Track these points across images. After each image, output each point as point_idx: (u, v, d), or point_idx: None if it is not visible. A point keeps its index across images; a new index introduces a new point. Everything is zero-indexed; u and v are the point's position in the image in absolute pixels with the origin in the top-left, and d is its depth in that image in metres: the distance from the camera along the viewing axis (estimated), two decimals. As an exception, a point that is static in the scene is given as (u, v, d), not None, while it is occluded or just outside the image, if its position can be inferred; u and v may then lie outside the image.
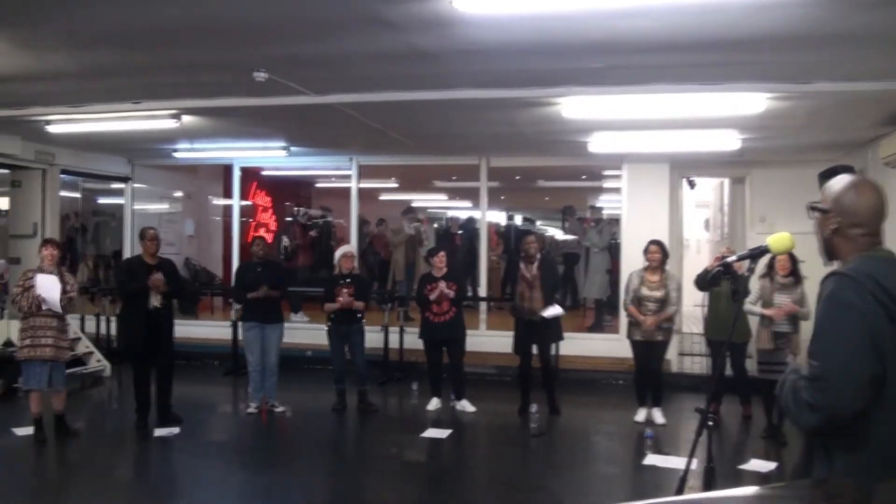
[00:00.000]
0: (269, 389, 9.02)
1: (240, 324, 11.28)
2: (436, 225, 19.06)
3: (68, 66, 6.70)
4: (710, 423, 3.52)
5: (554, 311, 8.88)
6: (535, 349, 9.03)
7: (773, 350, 7.79)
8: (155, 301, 8.06)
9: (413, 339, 10.99)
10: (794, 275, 7.87)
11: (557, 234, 16.80)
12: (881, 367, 2.34)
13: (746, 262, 3.36)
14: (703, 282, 8.12)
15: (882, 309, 2.36)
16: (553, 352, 9.40)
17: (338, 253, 9.44)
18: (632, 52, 5.91)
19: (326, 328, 9.25)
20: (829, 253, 2.70)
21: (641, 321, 8.42)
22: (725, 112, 7.66)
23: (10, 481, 6.86)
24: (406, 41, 5.59)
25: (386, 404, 9.56)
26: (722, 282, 8.08)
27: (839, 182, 2.66)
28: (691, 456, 3.43)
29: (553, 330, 9.06)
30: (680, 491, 3.47)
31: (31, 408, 7.68)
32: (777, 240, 3.20)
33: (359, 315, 9.22)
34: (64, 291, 7.60)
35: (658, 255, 8.49)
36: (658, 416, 8.57)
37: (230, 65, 6.51)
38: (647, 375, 8.66)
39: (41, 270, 7.61)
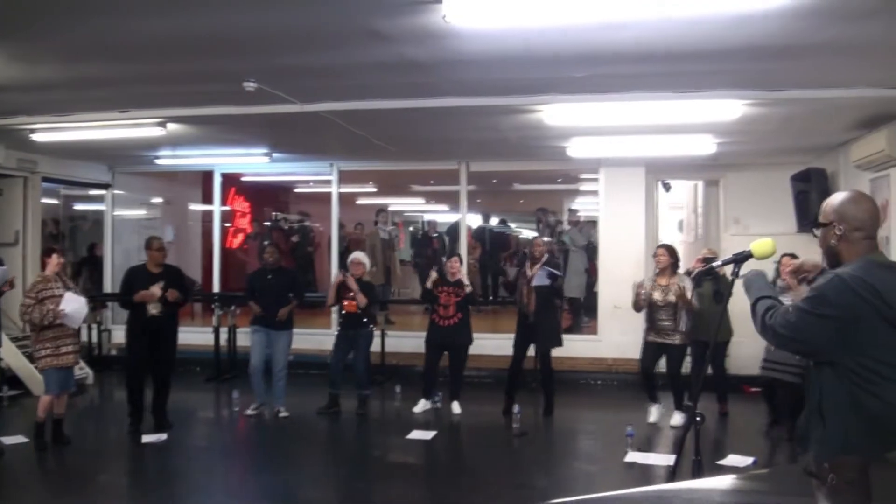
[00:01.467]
0: (277, 395, 9.10)
1: (224, 329, 11.50)
2: (411, 228, 19.22)
3: (58, 77, 6.73)
4: (698, 420, 3.69)
5: (541, 279, 8.99)
6: (531, 351, 9.17)
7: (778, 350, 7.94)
8: (153, 309, 8.15)
9: (395, 343, 11.15)
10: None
11: (531, 235, 16.97)
12: (820, 350, 2.91)
13: (731, 266, 3.54)
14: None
15: (866, 305, 2.75)
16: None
17: (348, 259, 9.59)
18: (613, 62, 6.07)
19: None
20: (834, 259, 3.02)
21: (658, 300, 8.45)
22: (702, 118, 7.83)
23: (5, 491, 6.90)
24: (398, 52, 5.72)
25: (370, 407, 9.66)
26: (704, 283, 8.29)
27: (838, 197, 3.04)
28: (680, 450, 3.61)
29: (550, 333, 9.16)
30: (670, 482, 3.64)
31: (38, 412, 7.68)
32: (760, 245, 3.38)
33: (365, 320, 9.32)
34: None
35: (665, 257, 8.55)
36: (678, 419, 8.56)
37: (220, 75, 6.59)
38: (653, 377, 8.70)
39: (47, 280, 7.63)
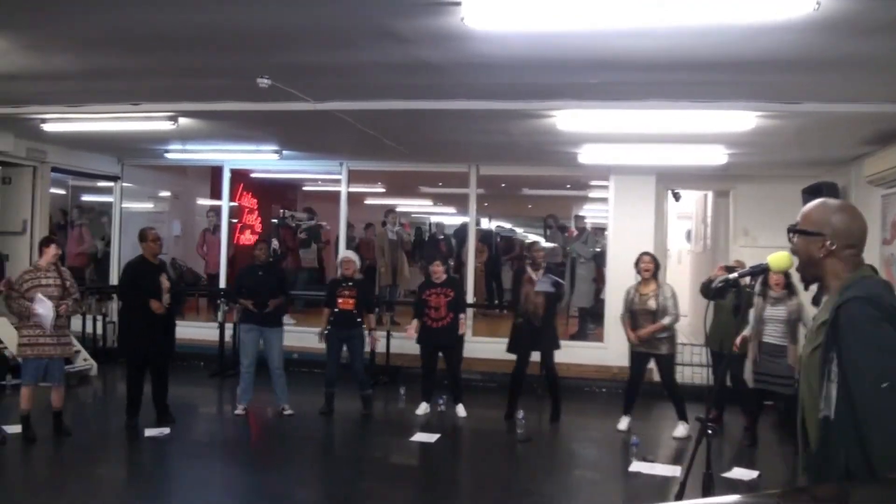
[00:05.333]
0: (279, 393, 9.07)
1: (229, 325, 11.45)
2: (410, 230, 19.18)
3: (70, 67, 6.71)
4: (710, 432, 3.66)
5: (545, 285, 8.96)
6: (535, 356, 9.12)
7: (769, 362, 7.98)
8: (166, 300, 8.13)
9: (400, 344, 11.10)
10: (788, 287, 8.01)
11: (539, 242, 16.94)
12: None
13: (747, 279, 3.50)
14: (708, 290, 8.23)
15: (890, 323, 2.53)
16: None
17: (338, 258, 9.52)
18: (629, 70, 6.05)
19: (323, 331, 9.28)
20: (813, 271, 2.81)
21: (630, 337, 8.52)
22: (714, 129, 7.81)
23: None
24: (414, 54, 5.69)
25: (374, 408, 9.63)
26: (728, 295, 8.17)
27: (826, 206, 2.80)
28: (691, 463, 3.56)
29: (551, 338, 9.15)
30: (680, 496, 3.61)
31: (20, 403, 7.66)
32: (777, 258, 3.33)
33: (359, 320, 9.29)
34: (66, 291, 7.67)
35: (651, 265, 8.55)
36: (682, 430, 8.53)
37: (234, 70, 6.57)
38: (637, 386, 8.72)
39: (37, 269, 7.64)
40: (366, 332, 9.50)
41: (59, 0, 4.99)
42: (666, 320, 8.40)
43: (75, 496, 6.47)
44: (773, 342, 8.00)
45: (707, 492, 3.63)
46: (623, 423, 8.76)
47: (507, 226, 17.08)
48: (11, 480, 6.99)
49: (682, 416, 8.56)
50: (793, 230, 2.83)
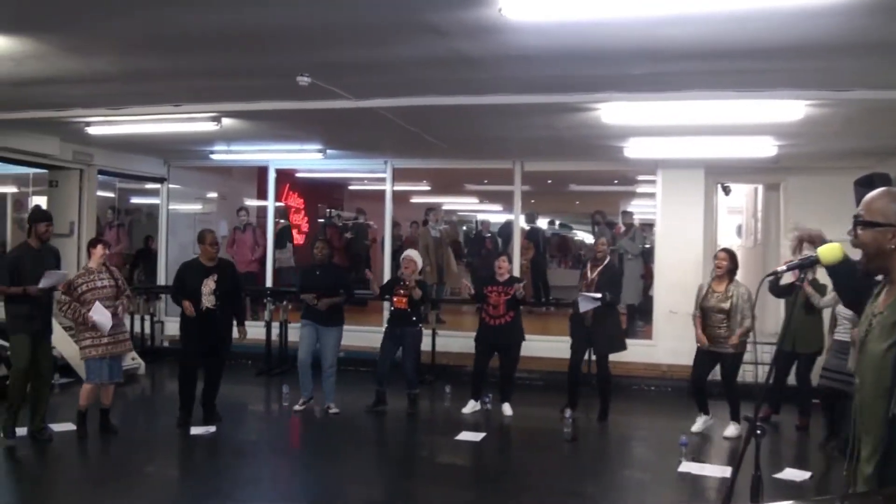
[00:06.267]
0: (326, 391, 9.07)
1: (276, 324, 11.52)
2: (464, 227, 19.12)
3: (113, 70, 6.74)
4: (759, 433, 3.51)
5: (587, 304, 8.78)
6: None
7: (837, 359, 7.64)
8: (207, 302, 8.15)
9: (445, 342, 11.05)
10: None
11: (587, 238, 16.77)
12: None
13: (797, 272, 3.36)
14: (776, 288, 8.06)
15: None
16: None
17: (401, 257, 9.52)
18: (674, 59, 5.90)
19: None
20: (880, 264, 2.72)
21: (700, 338, 8.30)
22: (763, 119, 7.62)
23: (48, 476, 7.03)
24: (453, 47, 5.61)
25: (419, 406, 9.58)
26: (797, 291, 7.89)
27: (894, 196, 2.69)
28: (739, 463, 3.43)
29: (613, 339, 8.98)
30: (728, 499, 3.48)
31: (80, 400, 7.79)
32: (828, 250, 3.19)
33: (414, 318, 9.25)
34: (119, 290, 7.85)
35: (725, 262, 8.28)
36: (732, 430, 8.34)
37: (275, 69, 6.54)
38: (703, 385, 8.49)
39: (89, 271, 7.74)
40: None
41: (99, 2, 5.00)
42: (746, 323, 8.08)
43: (125, 493, 6.50)
44: (841, 339, 7.72)
45: (755, 494, 3.48)
46: (698, 424, 8.50)
47: (558, 224, 16.85)
48: (68, 476, 7.09)
49: (735, 417, 8.35)
50: (860, 222, 2.71)
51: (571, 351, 9.08)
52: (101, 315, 7.56)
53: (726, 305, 8.16)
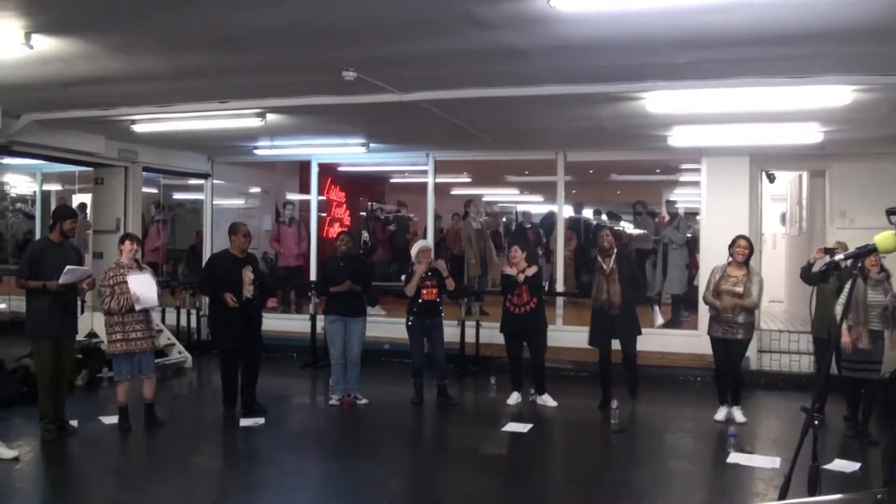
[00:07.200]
0: (352, 381, 9.15)
1: (321, 317, 11.57)
2: (504, 219, 19.07)
3: (158, 68, 6.84)
4: (816, 423, 3.48)
5: None
6: (616, 343, 9.02)
7: (867, 350, 7.62)
8: (247, 293, 8.22)
9: (489, 334, 11.05)
10: (884, 270, 7.71)
11: (629, 228, 16.62)
12: None
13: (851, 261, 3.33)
14: (809, 275, 7.99)
15: None
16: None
17: (414, 249, 9.50)
18: (718, 46, 5.86)
19: (407, 322, 9.31)
20: None
21: (718, 304, 8.30)
22: (809, 105, 7.54)
23: (98, 469, 7.11)
24: (499, 39, 5.62)
25: (464, 398, 9.60)
26: (831, 278, 7.83)
27: None
28: (796, 455, 3.42)
29: (629, 325, 9.02)
30: (784, 491, 3.46)
31: (118, 397, 7.90)
32: (885, 238, 3.16)
33: (441, 308, 9.28)
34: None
35: (746, 250, 8.31)
36: (738, 415, 8.44)
37: (320, 65, 6.60)
38: (727, 373, 8.55)
39: (119, 266, 7.80)
40: None
41: (146, 2, 5.06)
42: (748, 301, 8.19)
43: (170, 484, 6.56)
44: (872, 328, 7.65)
45: (813, 486, 3.45)
46: (720, 414, 8.55)
47: (604, 216, 16.71)
48: (114, 468, 7.15)
49: (738, 402, 8.55)
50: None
51: (597, 345, 9.14)
52: (138, 283, 7.65)
53: (741, 290, 8.20)
